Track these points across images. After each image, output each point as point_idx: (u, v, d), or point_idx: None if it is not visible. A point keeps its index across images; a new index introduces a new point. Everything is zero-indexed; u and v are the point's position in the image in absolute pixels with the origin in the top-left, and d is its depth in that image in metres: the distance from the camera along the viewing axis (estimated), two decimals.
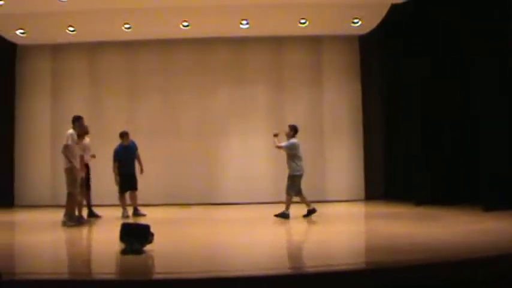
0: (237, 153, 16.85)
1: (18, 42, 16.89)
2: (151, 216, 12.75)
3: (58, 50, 17.27)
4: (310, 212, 12.21)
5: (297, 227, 11.03)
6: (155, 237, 7.86)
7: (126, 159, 13.23)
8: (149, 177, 14.20)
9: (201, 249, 8.22)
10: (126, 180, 13.20)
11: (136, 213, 13.24)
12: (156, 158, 15.97)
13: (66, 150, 11.30)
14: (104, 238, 10.20)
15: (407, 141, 15.03)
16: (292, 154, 12.19)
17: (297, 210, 12.34)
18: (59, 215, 11.99)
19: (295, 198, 12.35)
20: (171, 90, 17.09)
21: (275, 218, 12.03)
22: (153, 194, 15.87)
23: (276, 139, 12.42)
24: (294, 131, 12.35)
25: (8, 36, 16.40)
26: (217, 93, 17.09)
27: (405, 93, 15.15)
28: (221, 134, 16.72)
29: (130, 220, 12.04)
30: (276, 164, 16.13)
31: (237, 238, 9.58)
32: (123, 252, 7.40)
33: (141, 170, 13.41)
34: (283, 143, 12.32)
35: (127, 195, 13.38)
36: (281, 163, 15.85)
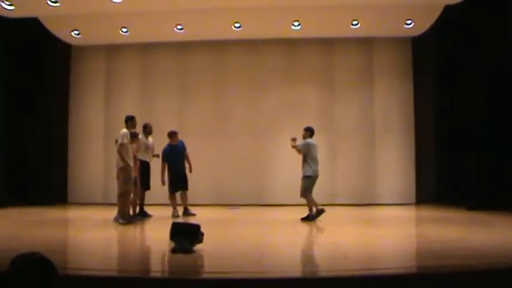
0: (287, 154, 16.30)
1: (73, 43, 17.19)
2: (201, 216, 12.78)
3: (111, 51, 17.57)
4: (309, 217, 12.10)
5: (346, 230, 10.93)
6: (205, 236, 7.88)
7: (175, 159, 13.24)
8: (199, 177, 14.27)
9: (250, 249, 8.24)
10: (177, 180, 13.24)
11: (186, 212, 13.28)
12: (206, 158, 16.07)
13: (121, 149, 11.48)
14: (154, 237, 10.29)
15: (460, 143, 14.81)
16: (307, 155, 12.18)
17: (346, 212, 12.19)
18: (111, 212, 12.20)
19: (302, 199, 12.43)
20: (222, 90, 17.18)
21: (319, 220, 12.02)
22: (203, 194, 15.92)
23: (292, 142, 12.41)
24: (310, 132, 12.41)
25: (63, 37, 16.69)
26: (268, 94, 17.12)
27: (459, 96, 14.95)
28: (271, 134, 16.70)
29: (181, 220, 12.08)
30: (326, 166, 16.13)
31: (284, 239, 9.56)
32: (173, 251, 7.43)
33: (190, 170, 13.51)
34: (299, 144, 12.35)
35: (178, 195, 13.44)
36: (332, 164, 16.23)
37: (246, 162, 16.74)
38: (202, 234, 7.86)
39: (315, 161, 12.17)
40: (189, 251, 7.40)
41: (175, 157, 13.25)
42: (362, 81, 16.90)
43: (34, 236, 9.52)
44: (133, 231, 10.74)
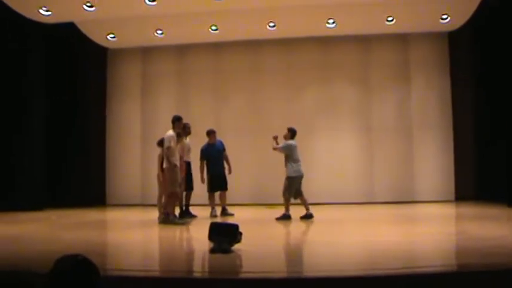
0: (324, 152, 16.80)
1: (109, 46, 17.43)
2: (239, 216, 12.81)
3: (147, 53, 17.77)
4: (307, 216, 12.09)
5: (385, 229, 10.87)
6: (243, 236, 7.87)
7: (214, 159, 13.17)
8: (236, 176, 14.17)
9: (288, 249, 8.25)
10: (216, 180, 13.17)
11: (224, 212, 13.24)
12: (243, 157, 16.00)
13: (169, 152, 11.55)
14: (193, 237, 10.42)
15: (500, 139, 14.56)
16: (288, 156, 12.18)
17: (384, 210, 12.06)
18: (149, 214, 12.34)
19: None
20: (258, 89, 17.22)
21: (330, 220, 12.09)
22: (240, 193, 15.92)
23: (274, 142, 12.45)
24: (291, 133, 12.40)
25: (99, 40, 16.93)
26: (303, 92, 17.12)
27: (498, 90, 14.71)
28: (308, 133, 16.56)
29: (219, 219, 12.10)
30: (364, 164, 16.23)
31: (323, 238, 9.52)
32: (212, 251, 7.43)
33: (229, 170, 13.47)
34: (280, 145, 12.37)
35: (216, 194, 13.42)
36: (370, 162, 16.29)
37: (282, 161, 16.46)
38: (240, 234, 7.82)
39: (297, 161, 12.19)
40: (227, 251, 7.37)
41: (214, 156, 13.18)
42: (398, 78, 16.79)
43: (74, 238, 9.64)
44: (172, 232, 10.75)
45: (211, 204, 13.22)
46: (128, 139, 17.62)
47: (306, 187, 15.92)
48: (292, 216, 12.11)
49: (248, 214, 13.54)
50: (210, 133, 13.46)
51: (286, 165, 12.19)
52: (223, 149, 13.42)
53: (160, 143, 12.29)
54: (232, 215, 13.11)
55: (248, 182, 16.51)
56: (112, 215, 15.03)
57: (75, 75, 16.86)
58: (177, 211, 12.42)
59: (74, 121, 16.76)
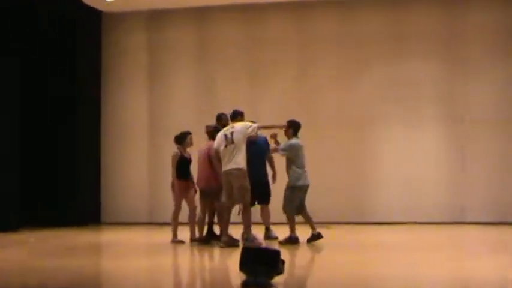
0: (393, 153, 16.75)
1: (104, 9, 17.51)
2: (280, 238, 12.68)
3: (155, 18, 17.86)
4: (315, 236, 12.20)
5: (477, 259, 10.72)
6: (287, 266, 7.81)
7: (254, 161, 12.45)
8: (277, 186, 13.31)
9: (347, 283, 8.20)
10: (256, 190, 12.31)
11: (268, 235, 13.15)
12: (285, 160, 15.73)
13: (217, 159, 11.95)
14: (219, 267, 10.49)
15: None
16: (291, 159, 12.20)
17: (478, 233, 11.92)
18: (159, 235, 12.56)
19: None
20: (305, 67, 17.19)
21: (347, 244, 12.29)
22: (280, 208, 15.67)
23: (272, 141, 12.52)
24: (293, 128, 12.36)
25: (90, 1, 16.90)
26: (367, 72, 17.00)
27: None
28: (371, 127, 16.72)
29: (257, 243, 11.84)
30: (451, 169, 16.17)
31: (395, 270, 9.44)
32: (245, 284, 7.43)
33: (274, 178, 13.29)
34: (280, 145, 12.36)
35: (255, 209, 12.99)
36: (459, 167, 16.17)
37: (338, 164, 16.76)
38: (283, 262, 7.76)
39: (302, 167, 12.23)
40: (265, 285, 7.39)
41: (255, 157, 12.47)
42: (500, 52, 16.52)
43: (59, 267, 9.63)
44: (192, 259, 10.77)
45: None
46: (131, 136, 17.75)
47: (372, 201, 16.53)
48: (406, 238, 12.52)
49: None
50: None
51: (288, 171, 12.22)
52: (268, 149, 13.02)
53: (179, 139, 12.38)
54: (276, 238, 12.95)
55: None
56: (109, 237, 15.13)
57: (54, 51, 16.81)
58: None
59: (57, 115, 16.82)
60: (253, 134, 11.90)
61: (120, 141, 17.82)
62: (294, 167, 12.15)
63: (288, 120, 12.43)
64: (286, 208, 12.18)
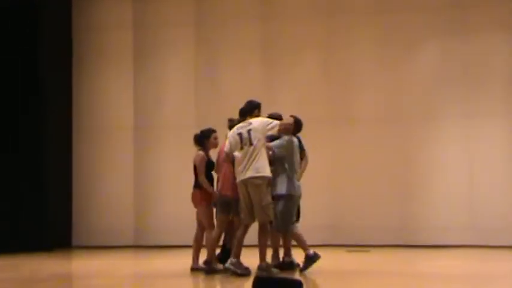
0: (450, 156, 16.50)
1: None
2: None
3: None
4: (312, 258, 12.01)
5: None
6: None
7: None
8: (302, 199, 13.24)
9: None
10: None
11: (287, 262, 12.69)
12: (315, 169, 14.69)
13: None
14: None
15: None
16: (284, 159, 11.98)
17: None
18: (148, 262, 12.48)
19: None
20: (336, 48, 16.98)
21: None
22: (310, 227, 14.75)
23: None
24: (297, 126, 12.28)
25: None
26: (420, 52, 16.91)
27: None
28: (426, 124, 16.43)
29: (276, 271, 11.80)
30: None
31: None
32: None
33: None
34: (274, 142, 12.10)
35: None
36: None
37: (379, 172, 16.56)
38: None
39: (294, 171, 12.11)
40: None
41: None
42: None
43: None
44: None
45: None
46: (111, 135, 17.57)
47: (423, 219, 16.40)
48: (467, 265, 12.52)
49: (321, 262, 12.67)
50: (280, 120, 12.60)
51: (278, 176, 11.94)
52: (303, 149, 12.90)
53: (201, 138, 12.46)
54: (298, 265, 12.53)
55: (321, 207, 16.40)
56: (83, 266, 15.01)
57: (12, 25, 16.69)
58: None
59: (15, 110, 16.63)
60: (273, 132, 11.85)
61: (97, 142, 17.66)
62: (287, 171, 11.97)
63: (293, 115, 12.31)
64: (283, 222, 11.91)
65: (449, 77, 16.60)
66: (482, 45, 16.53)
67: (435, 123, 16.54)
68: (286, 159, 11.97)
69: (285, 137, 12.03)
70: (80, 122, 17.80)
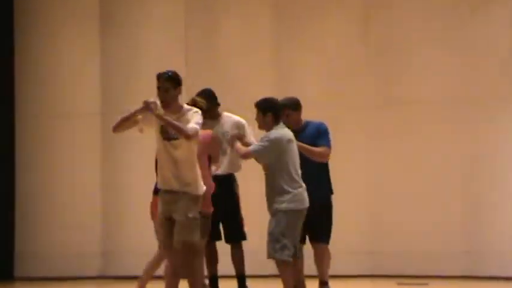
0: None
1: None
2: None
3: None
4: None
5: None
6: None
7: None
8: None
9: None
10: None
11: None
12: (347, 174, 14.40)
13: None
14: None
15: None
16: (274, 165, 10.59)
17: None
18: None
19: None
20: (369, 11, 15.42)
21: None
22: (343, 254, 14.04)
23: (238, 145, 11.12)
24: (272, 112, 10.70)
25: None
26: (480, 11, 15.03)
27: None
28: (490, 120, 14.48)
29: None
30: None
31: None
32: None
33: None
34: (252, 147, 10.99)
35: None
36: None
37: (429, 182, 14.92)
38: None
39: (292, 174, 10.56)
40: None
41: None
42: None
43: None
44: None
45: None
46: (71, 129, 15.78)
47: (491, 245, 14.97)
48: None
49: None
50: (292, 106, 11.51)
51: (268, 185, 10.67)
52: (329, 139, 11.86)
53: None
54: None
55: (356, 226, 14.85)
56: None
57: None
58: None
59: None
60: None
61: (50, 139, 15.72)
62: (280, 177, 10.63)
63: (256, 102, 10.76)
64: (274, 247, 10.53)
65: None
66: None
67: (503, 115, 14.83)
68: (276, 164, 10.93)
69: (267, 134, 10.90)
70: (26, 113, 16.04)
